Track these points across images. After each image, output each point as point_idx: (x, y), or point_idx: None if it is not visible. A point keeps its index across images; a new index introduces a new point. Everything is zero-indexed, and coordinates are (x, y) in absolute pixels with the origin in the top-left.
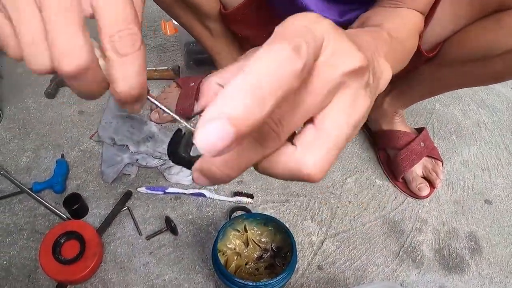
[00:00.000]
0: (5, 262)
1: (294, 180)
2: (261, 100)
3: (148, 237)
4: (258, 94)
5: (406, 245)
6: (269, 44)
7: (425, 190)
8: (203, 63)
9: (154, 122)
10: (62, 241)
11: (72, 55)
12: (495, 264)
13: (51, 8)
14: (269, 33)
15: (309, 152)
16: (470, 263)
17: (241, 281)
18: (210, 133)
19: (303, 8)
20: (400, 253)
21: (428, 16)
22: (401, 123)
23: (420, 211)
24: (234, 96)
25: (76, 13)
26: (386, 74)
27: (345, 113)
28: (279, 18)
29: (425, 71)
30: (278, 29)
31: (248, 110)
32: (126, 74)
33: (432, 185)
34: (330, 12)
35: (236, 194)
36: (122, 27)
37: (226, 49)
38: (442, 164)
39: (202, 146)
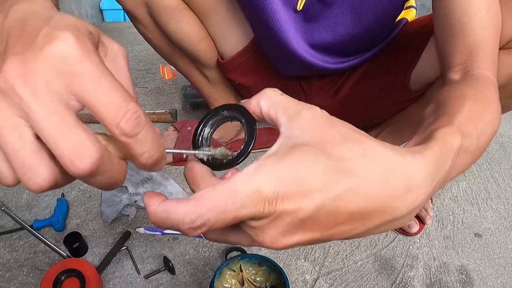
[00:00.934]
0: None
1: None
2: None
3: (147, 276)
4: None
5: (398, 281)
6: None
7: (415, 227)
8: (199, 106)
9: None
10: (63, 278)
11: (82, 155)
12: None
13: (39, 117)
14: (263, 81)
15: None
16: None
17: None
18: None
19: (298, 57)
20: None
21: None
22: None
23: (411, 247)
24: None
25: (66, 111)
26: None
27: None
28: (274, 67)
29: (414, 111)
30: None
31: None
32: (144, 149)
33: (422, 221)
34: (325, 60)
35: None
36: (123, 112)
37: (223, 94)
38: (432, 201)
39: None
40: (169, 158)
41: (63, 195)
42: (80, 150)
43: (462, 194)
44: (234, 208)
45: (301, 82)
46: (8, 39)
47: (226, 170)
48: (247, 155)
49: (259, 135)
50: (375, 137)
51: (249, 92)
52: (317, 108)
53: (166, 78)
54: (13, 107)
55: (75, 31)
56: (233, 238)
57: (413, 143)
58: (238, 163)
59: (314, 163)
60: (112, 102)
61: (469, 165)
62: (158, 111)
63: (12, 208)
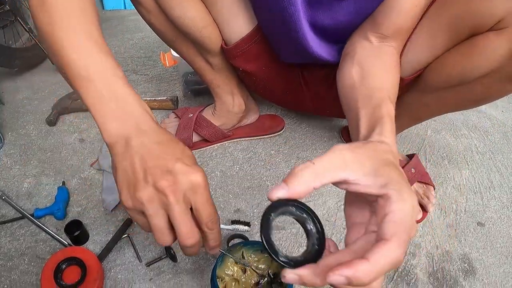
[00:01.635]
0: (5, 287)
1: None
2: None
3: (148, 264)
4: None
5: (400, 269)
6: (384, 244)
7: (418, 215)
8: (200, 93)
9: None
10: (64, 266)
11: (191, 237)
12: (489, 285)
13: (174, 215)
14: (267, 68)
15: None
16: (464, 284)
17: None
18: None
19: (303, 45)
20: (395, 277)
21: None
22: None
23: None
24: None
25: (188, 211)
26: None
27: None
28: (278, 53)
29: (409, 99)
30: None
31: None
32: (213, 237)
33: (424, 209)
34: (329, 52)
35: (234, 222)
36: (211, 218)
37: (226, 81)
38: (434, 189)
39: None
40: None
41: (63, 183)
42: (190, 235)
43: (465, 183)
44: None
45: (302, 71)
46: (145, 165)
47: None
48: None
49: (263, 120)
50: None
51: (252, 79)
52: None
53: (167, 65)
54: (162, 203)
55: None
56: None
57: (367, 124)
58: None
59: None
60: (209, 212)
61: None
62: (159, 98)
63: (13, 197)
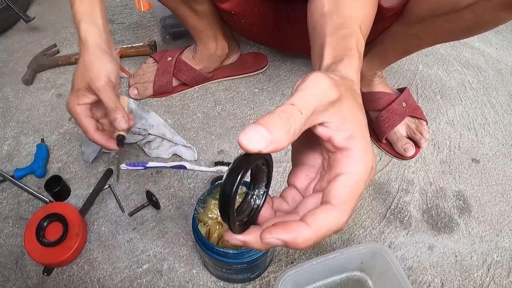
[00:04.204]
0: None
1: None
2: None
3: (131, 213)
4: None
5: (393, 207)
6: (330, 209)
7: (411, 150)
8: (179, 36)
9: (133, 98)
10: (45, 224)
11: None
12: (485, 223)
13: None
14: (254, 6)
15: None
16: (459, 222)
17: (222, 250)
18: None
19: None
20: (387, 215)
21: None
22: (381, 84)
23: (406, 171)
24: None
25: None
26: None
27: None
28: None
29: (397, 29)
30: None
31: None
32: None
33: (417, 145)
34: None
35: (217, 163)
36: None
37: (210, 26)
38: (427, 124)
39: None
40: (149, 91)
41: (42, 140)
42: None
43: (458, 119)
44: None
45: (287, 9)
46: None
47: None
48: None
49: (245, 58)
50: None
51: (238, 21)
52: None
53: (143, 9)
54: None
55: None
56: None
57: (333, 55)
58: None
59: None
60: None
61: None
62: (136, 45)
63: None
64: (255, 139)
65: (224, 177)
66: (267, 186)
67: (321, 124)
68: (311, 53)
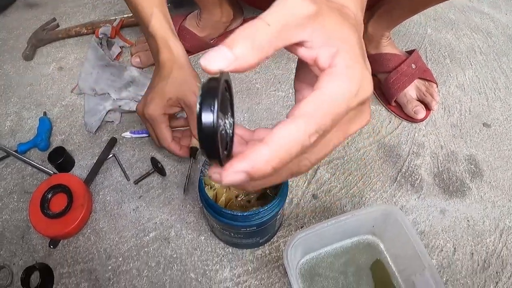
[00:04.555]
0: None
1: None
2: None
3: (136, 181)
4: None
5: (404, 170)
6: (288, 122)
7: (421, 113)
8: (181, 4)
9: (135, 66)
10: (49, 196)
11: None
12: (497, 188)
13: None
14: None
15: None
16: (471, 186)
17: (230, 212)
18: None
19: None
20: (398, 178)
21: None
22: (390, 46)
23: (416, 134)
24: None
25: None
26: None
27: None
28: None
29: None
30: (299, 109)
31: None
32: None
33: (427, 107)
34: None
35: None
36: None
37: None
38: (437, 86)
39: None
40: (152, 59)
41: (45, 113)
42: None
43: (468, 83)
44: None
45: None
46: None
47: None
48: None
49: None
50: (368, 21)
51: None
52: None
53: None
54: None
55: None
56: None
57: None
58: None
59: None
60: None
61: None
62: None
63: None
64: (216, 59)
65: (198, 108)
66: (233, 115)
67: (301, 44)
68: None
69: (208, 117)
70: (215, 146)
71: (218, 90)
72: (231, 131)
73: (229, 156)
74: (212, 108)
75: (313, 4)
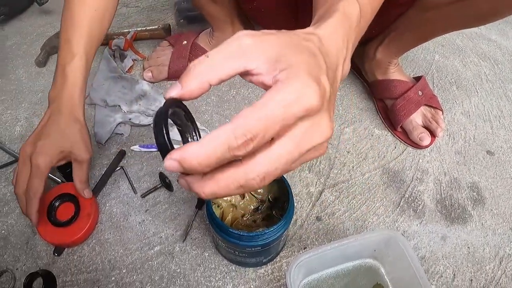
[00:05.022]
0: (3, 231)
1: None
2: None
3: (143, 195)
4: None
5: (407, 195)
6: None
7: (426, 140)
8: (195, 20)
9: (147, 80)
10: (57, 204)
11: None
12: (498, 216)
13: None
14: None
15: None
16: (472, 214)
17: (236, 231)
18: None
19: None
20: (401, 203)
21: None
22: (397, 72)
23: (420, 160)
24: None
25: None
26: (346, 71)
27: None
28: None
29: (412, 15)
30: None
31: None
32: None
33: (432, 134)
34: None
35: None
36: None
37: (227, 12)
38: (442, 113)
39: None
40: (164, 74)
41: None
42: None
43: (474, 110)
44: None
45: None
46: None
47: None
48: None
49: None
50: (377, 46)
51: (256, 10)
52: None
53: None
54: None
55: None
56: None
57: (316, 17)
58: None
59: None
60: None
61: (364, 30)
62: (150, 28)
63: (6, 142)
64: (170, 90)
65: (153, 124)
66: (196, 129)
67: (249, 73)
68: None
69: (159, 135)
70: (166, 146)
71: (165, 107)
72: (190, 138)
73: None
74: (162, 127)
75: (251, 37)
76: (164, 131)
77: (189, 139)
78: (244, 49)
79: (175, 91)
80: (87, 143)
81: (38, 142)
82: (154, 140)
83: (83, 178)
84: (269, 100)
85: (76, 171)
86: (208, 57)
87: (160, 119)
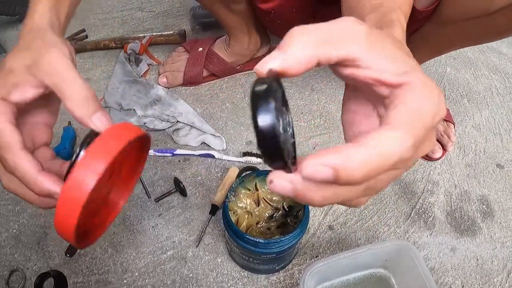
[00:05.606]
0: (14, 231)
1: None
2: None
3: (157, 199)
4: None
5: (418, 207)
6: (389, 129)
7: (438, 153)
8: (210, 26)
9: (162, 86)
10: None
11: None
12: (507, 228)
13: None
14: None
15: None
16: (482, 226)
17: (252, 238)
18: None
19: None
20: (412, 214)
21: None
22: None
23: (432, 173)
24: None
25: None
26: None
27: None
28: None
29: (429, 30)
30: (396, 112)
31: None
32: None
33: (444, 147)
34: None
35: (245, 154)
36: None
37: (244, 22)
38: (454, 127)
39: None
40: (179, 80)
41: (69, 123)
42: None
43: (484, 123)
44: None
45: (322, 6)
46: None
47: None
48: None
49: None
50: None
51: (272, 21)
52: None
53: None
54: None
55: None
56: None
57: (370, 24)
58: None
59: None
60: None
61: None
62: (166, 33)
63: None
64: (267, 60)
65: (255, 110)
66: (289, 111)
67: (354, 65)
68: None
69: (266, 117)
70: (279, 148)
71: (271, 85)
72: (291, 131)
73: (295, 161)
74: (270, 105)
75: (365, 24)
76: (286, 121)
77: (282, 132)
78: (359, 35)
79: (276, 61)
80: (49, 41)
81: None
82: (256, 132)
83: (75, 92)
84: (422, 107)
85: (55, 83)
86: (320, 29)
87: (272, 103)
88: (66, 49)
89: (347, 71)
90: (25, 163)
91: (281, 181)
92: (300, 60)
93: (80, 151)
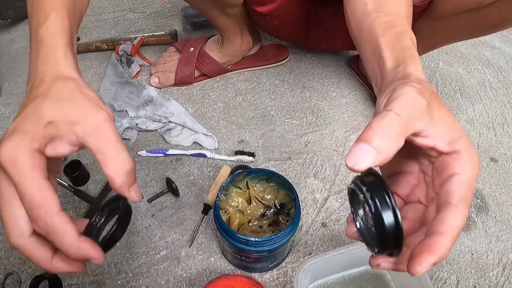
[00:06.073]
0: None
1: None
2: None
3: (150, 200)
4: None
5: None
6: (454, 211)
7: None
8: (201, 26)
9: (154, 86)
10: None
11: None
12: (502, 222)
13: None
14: (284, 7)
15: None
16: (476, 220)
17: (243, 237)
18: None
19: None
20: None
21: None
22: None
23: None
24: None
25: None
26: None
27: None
28: None
29: (423, 25)
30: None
31: None
32: None
33: None
34: None
35: (237, 153)
36: None
37: (237, 24)
38: None
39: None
40: (171, 80)
41: None
42: None
43: (478, 117)
44: None
45: (316, 7)
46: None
47: None
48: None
49: (266, 50)
50: None
51: (268, 23)
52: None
53: None
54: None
55: None
56: None
57: (395, 60)
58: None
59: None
60: None
61: None
62: (157, 33)
63: None
64: (361, 157)
65: (373, 206)
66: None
67: (418, 134)
68: (362, 54)
69: (389, 217)
70: (400, 242)
71: (383, 184)
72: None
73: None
74: (389, 203)
75: (424, 97)
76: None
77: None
78: (422, 109)
79: (368, 157)
80: (94, 99)
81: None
82: (379, 230)
83: (120, 161)
84: (470, 178)
85: (101, 147)
86: (399, 115)
87: (391, 199)
88: (111, 113)
89: (411, 140)
90: (66, 227)
91: (388, 265)
92: (391, 156)
93: (100, 213)
